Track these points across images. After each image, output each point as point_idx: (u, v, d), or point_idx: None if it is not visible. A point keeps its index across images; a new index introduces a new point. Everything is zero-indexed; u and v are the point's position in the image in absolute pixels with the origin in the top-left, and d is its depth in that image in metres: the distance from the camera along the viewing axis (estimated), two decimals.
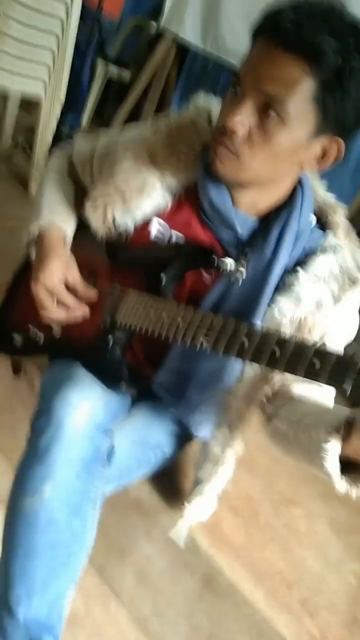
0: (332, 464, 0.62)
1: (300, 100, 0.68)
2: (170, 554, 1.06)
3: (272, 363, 0.61)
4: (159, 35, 3.19)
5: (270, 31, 0.68)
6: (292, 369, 0.56)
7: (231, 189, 0.80)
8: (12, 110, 2.36)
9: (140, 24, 3.70)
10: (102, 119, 3.98)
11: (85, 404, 0.76)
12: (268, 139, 0.71)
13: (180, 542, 0.93)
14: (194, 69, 3.55)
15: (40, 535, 0.72)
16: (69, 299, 0.85)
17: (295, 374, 0.56)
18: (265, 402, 0.83)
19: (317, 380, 0.54)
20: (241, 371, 0.83)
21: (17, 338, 0.97)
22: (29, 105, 3.06)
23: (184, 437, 0.98)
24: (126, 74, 3.56)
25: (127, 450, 0.89)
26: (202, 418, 0.86)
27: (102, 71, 3.45)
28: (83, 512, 0.75)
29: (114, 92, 3.93)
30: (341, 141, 0.73)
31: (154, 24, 3.57)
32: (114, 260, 0.91)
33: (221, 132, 0.73)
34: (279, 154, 0.72)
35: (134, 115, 3.13)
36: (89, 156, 0.98)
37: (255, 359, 0.63)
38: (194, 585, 1.02)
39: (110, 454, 0.81)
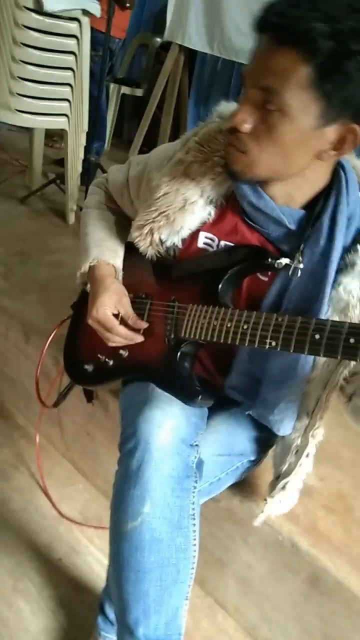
0: None
1: (297, 89, 0.67)
2: (270, 558, 1.05)
3: (349, 354, 0.62)
4: (165, 48, 3.23)
5: (262, 28, 0.69)
6: None
7: (262, 187, 0.80)
8: (38, 147, 2.43)
9: (145, 42, 3.76)
10: (121, 137, 4.05)
11: (169, 421, 0.77)
12: (272, 132, 0.71)
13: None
14: (204, 74, 3.57)
15: (148, 555, 0.74)
16: (121, 330, 0.88)
17: None
18: (345, 384, 0.83)
19: None
20: (313, 361, 0.83)
21: (89, 368, 1.00)
22: (51, 139, 3.17)
23: (266, 440, 0.98)
24: (139, 91, 3.62)
25: (214, 462, 0.90)
26: (282, 415, 0.86)
27: (115, 93, 3.52)
28: (184, 528, 0.77)
29: (128, 109, 4.00)
30: (356, 127, 0.71)
31: (157, 39, 3.62)
32: (168, 276, 0.93)
33: (230, 133, 0.74)
34: (288, 146, 0.72)
35: (152, 129, 3.17)
36: (124, 184, 1.01)
37: (329, 353, 0.65)
38: (300, 586, 1.01)
39: (199, 466, 0.82)
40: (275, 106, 0.69)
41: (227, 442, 0.93)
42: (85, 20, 1.87)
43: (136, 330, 0.90)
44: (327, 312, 0.80)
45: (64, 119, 2.01)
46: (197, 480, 0.79)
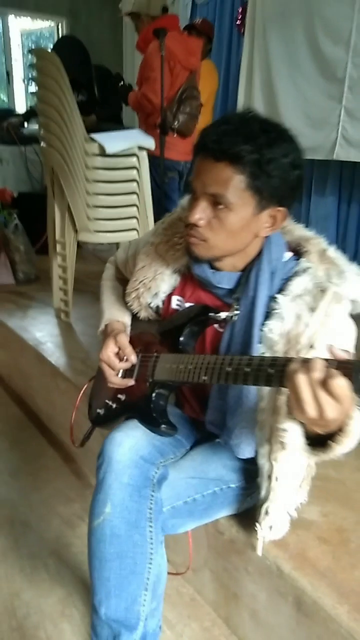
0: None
1: (237, 191, 0.93)
2: (265, 584, 1.14)
3: (269, 381, 0.79)
4: None
5: (202, 149, 0.96)
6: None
7: (214, 262, 1.05)
8: None
9: None
10: None
11: (128, 440, 0.99)
12: (223, 223, 0.96)
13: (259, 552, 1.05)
14: None
15: (108, 547, 0.93)
16: (117, 364, 1.12)
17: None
18: None
19: None
20: (257, 389, 0.99)
21: (101, 412, 1.26)
22: None
23: (245, 469, 1.12)
24: None
25: (187, 483, 1.07)
26: (239, 440, 1.02)
27: None
28: (141, 527, 0.95)
29: None
30: (282, 209, 0.96)
31: None
32: (154, 333, 1.18)
33: (187, 227, 1.00)
34: (235, 232, 0.97)
35: None
36: (126, 261, 1.31)
37: (256, 382, 0.81)
38: (290, 611, 1.08)
39: (160, 480, 1.00)
40: (223, 205, 0.95)
41: (200, 468, 1.10)
42: (143, 154, 2.35)
43: (130, 361, 1.13)
44: (261, 350, 0.98)
45: (134, 232, 2.45)
46: (154, 491, 0.98)
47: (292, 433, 0.83)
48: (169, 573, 1.28)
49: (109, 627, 0.92)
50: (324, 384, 0.68)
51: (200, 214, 0.96)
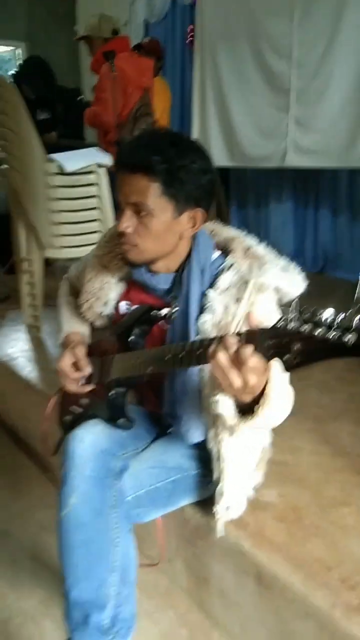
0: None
1: (154, 198, 1.03)
2: (230, 564, 1.22)
3: (199, 361, 0.89)
4: None
5: (120, 165, 1.07)
6: None
7: (149, 265, 1.14)
8: None
9: None
10: None
11: (89, 436, 1.07)
12: (148, 228, 1.06)
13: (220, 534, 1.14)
14: (240, 183, 4.07)
15: (74, 534, 1.01)
16: (73, 374, 1.20)
17: None
18: None
19: None
20: (198, 377, 1.08)
21: (69, 418, 1.33)
22: None
23: (201, 456, 1.20)
24: None
25: (149, 473, 1.15)
26: (187, 426, 1.11)
27: None
28: (105, 514, 1.03)
29: None
30: (200, 210, 1.07)
31: None
32: (110, 338, 1.26)
33: (119, 236, 1.10)
34: (160, 235, 1.07)
35: None
36: (77, 277, 1.40)
37: (189, 364, 0.94)
38: (253, 586, 1.16)
39: (122, 471, 1.08)
40: (144, 212, 1.05)
41: (160, 458, 1.18)
42: (102, 170, 2.45)
43: (84, 372, 1.20)
44: None
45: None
46: (116, 479, 1.06)
47: (223, 403, 0.93)
48: (144, 565, 1.36)
49: (80, 608, 0.99)
50: (239, 356, 0.78)
51: (127, 222, 1.07)
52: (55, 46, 5.60)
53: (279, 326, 0.73)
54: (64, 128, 3.92)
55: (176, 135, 1.07)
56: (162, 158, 1.02)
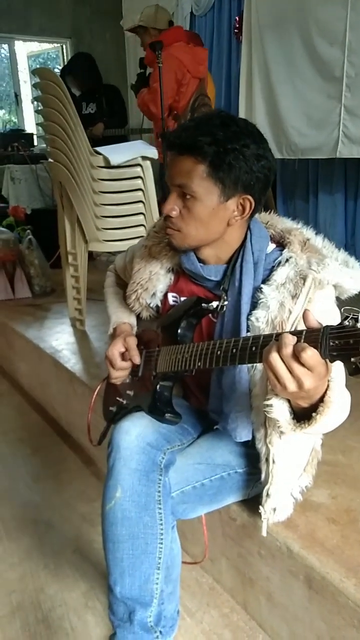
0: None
1: (199, 180, 0.99)
2: (278, 565, 1.17)
3: (252, 359, 0.84)
4: None
5: (168, 147, 1.04)
6: None
7: (196, 253, 1.10)
8: None
9: None
10: None
11: (135, 429, 1.04)
12: (192, 212, 1.02)
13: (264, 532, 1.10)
14: (286, 175, 3.98)
15: (120, 529, 0.98)
16: (121, 363, 1.18)
17: None
18: None
19: None
20: (249, 375, 1.03)
21: (113, 409, 1.31)
22: None
23: (250, 454, 1.16)
24: None
25: (195, 469, 1.12)
26: (235, 424, 1.06)
27: None
28: (151, 510, 1.00)
29: None
30: (248, 196, 1.02)
31: None
32: (156, 329, 1.24)
33: (165, 220, 1.06)
34: (204, 220, 1.03)
35: None
36: (124, 267, 1.37)
37: (242, 361, 0.87)
38: (302, 589, 1.11)
39: (167, 465, 1.05)
40: (189, 195, 1.02)
41: (207, 454, 1.15)
42: (147, 163, 2.42)
43: (134, 362, 1.18)
44: None
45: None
46: (162, 475, 1.03)
47: (277, 408, 0.87)
48: (187, 563, 1.33)
49: (124, 604, 0.97)
50: (296, 356, 0.73)
51: (172, 205, 1.04)
52: (100, 42, 5.65)
53: (347, 324, 0.67)
54: (110, 119, 3.96)
55: (230, 118, 1.02)
56: (211, 139, 0.97)
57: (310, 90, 3.19)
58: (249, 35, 3.46)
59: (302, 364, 0.73)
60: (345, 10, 2.89)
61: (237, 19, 3.92)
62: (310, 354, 0.71)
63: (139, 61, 3.37)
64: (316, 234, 1.09)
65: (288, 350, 0.74)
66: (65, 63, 4.84)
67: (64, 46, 5.86)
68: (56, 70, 5.46)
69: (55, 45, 5.93)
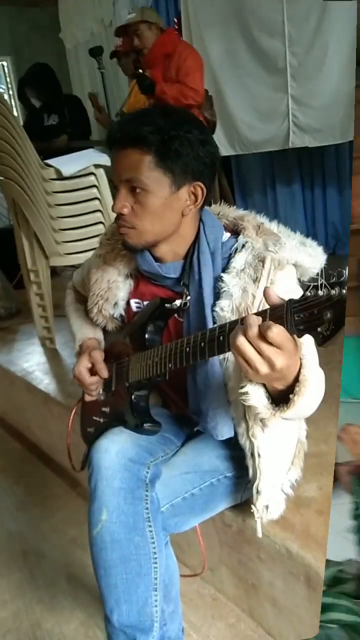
0: None
1: (148, 172, 0.95)
2: (279, 568, 1.13)
3: (221, 349, 0.81)
4: None
5: (111, 143, 1.00)
6: None
7: (151, 252, 1.05)
8: None
9: None
10: None
11: (114, 445, 0.99)
12: (144, 206, 0.98)
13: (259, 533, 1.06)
14: (241, 170, 3.97)
15: (110, 553, 0.93)
16: (89, 379, 1.13)
17: None
18: None
19: None
20: (222, 368, 0.99)
21: (92, 430, 1.25)
22: None
23: (237, 457, 1.11)
24: None
25: (183, 479, 1.07)
26: (214, 422, 1.02)
27: None
28: (140, 529, 0.94)
29: None
30: (199, 184, 0.99)
31: None
32: (123, 339, 1.18)
33: (117, 218, 1.02)
34: (158, 212, 0.98)
35: None
36: (82, 282, 1.32)
37: (212, 353, 0.84)
38: (303, 590, 1.07)
39: (153, 479, 0.99)
40: (139, 189, 0.97)
41: (193, 462, 1.10)
42: (100, 171, 2.36)
43: (101, 376, 1.14)
44: None
45: None
46: (148, 490, 0.97)
47: (253, 394, 0.82)
48: (186, 576, 1.27)
49: (124, 633, 0.91)
50: (263, 336, 0.69)
51: (122, 202, 0.99)
52: (41, 57, 5.54)
53: (309, 295, 0.65)
54: (72, 130, 3.89)
55: (170, 107, 1.00)
56: (154, 128, 0.94)
57: (256, 83, 3.19)
58: (189, 35, 3.44)
59: (271, 343, 0.70)
60: (280, 2, 2.90)
61: (176, 20, 3.90)
62: (277, 331, 0.68)
63: (133, 63, 3.23)
64: (270, 221, 1.06)
65: (254, 331, 0.70)
66: (10, 80, 4.75)
67: (4, 63, 5.77)
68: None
69: None
